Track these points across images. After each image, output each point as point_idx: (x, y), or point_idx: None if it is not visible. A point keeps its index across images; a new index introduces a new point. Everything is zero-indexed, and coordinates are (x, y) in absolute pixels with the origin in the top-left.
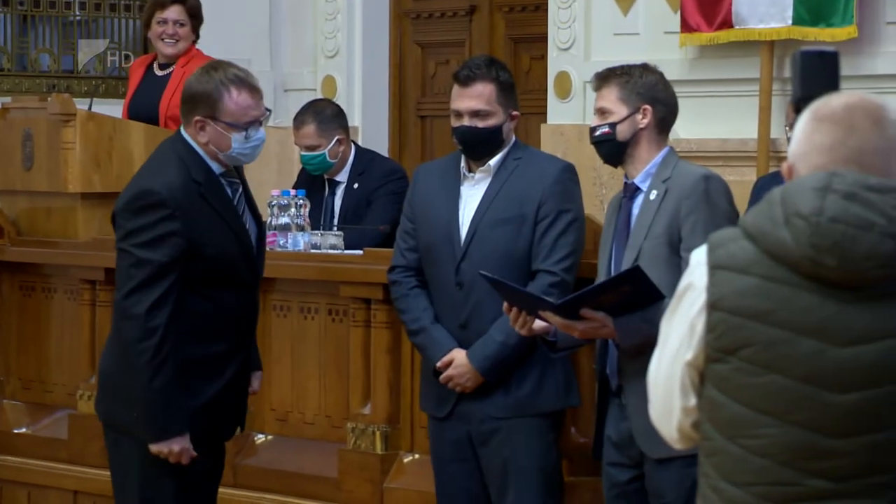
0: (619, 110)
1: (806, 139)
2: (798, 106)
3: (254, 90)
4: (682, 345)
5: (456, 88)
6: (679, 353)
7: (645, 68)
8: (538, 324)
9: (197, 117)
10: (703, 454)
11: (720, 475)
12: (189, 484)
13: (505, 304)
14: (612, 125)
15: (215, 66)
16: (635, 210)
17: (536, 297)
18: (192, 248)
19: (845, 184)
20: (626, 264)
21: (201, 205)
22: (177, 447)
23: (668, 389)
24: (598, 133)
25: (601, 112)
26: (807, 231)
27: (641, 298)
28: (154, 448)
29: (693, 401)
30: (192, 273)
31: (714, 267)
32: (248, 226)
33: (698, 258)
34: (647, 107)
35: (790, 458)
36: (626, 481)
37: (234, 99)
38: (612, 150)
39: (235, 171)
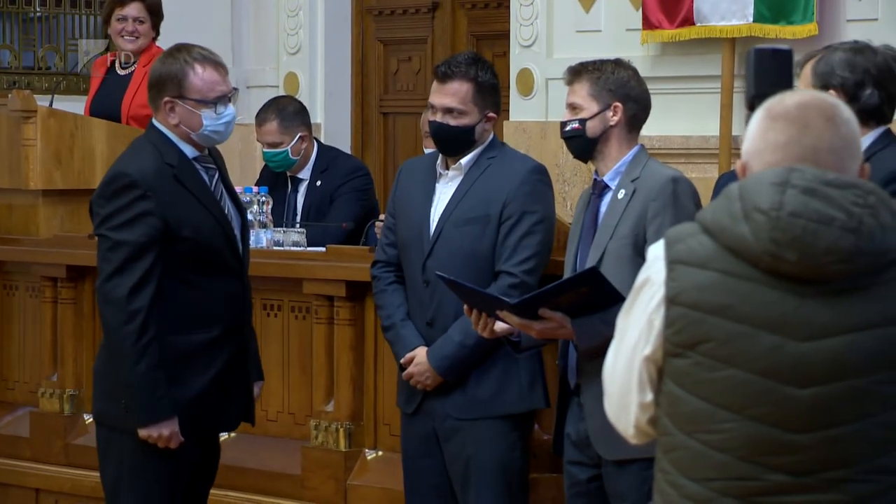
0: (590, 106)
1: (760, 137)
2: (752, 103)
3: (219, 66)
4: (639, 340)
5: (434, 82)
6: (637, 348)
7: (618, 64)
8: (500, 326)
9: (165, 98)
10: (660, 450)
11: (679, 471)
12: (181, 480)
13: (465, 307)
14: (582, 121)
15: (178, 47)
16: (603, 208)
17: (494, 297)
18: (168, 230)
19: (804, 179)
20: (590, 263)
21: (175, 186)
22: (165, 431)
23: (625, 385)
24: (567, 128)
25: (572, 107)
26: (767, 226)
27: (600, 300)
28: (143, 433)
29: (650, 396)
30: (173, 257)
31: (673, 262)
32: (227, 211)
33: (656, 253)
34: (618, 104)
35: (750, 452)
36: (586, 480)
37: (200, 75)
38: (582, 146)
39: (212, 159)
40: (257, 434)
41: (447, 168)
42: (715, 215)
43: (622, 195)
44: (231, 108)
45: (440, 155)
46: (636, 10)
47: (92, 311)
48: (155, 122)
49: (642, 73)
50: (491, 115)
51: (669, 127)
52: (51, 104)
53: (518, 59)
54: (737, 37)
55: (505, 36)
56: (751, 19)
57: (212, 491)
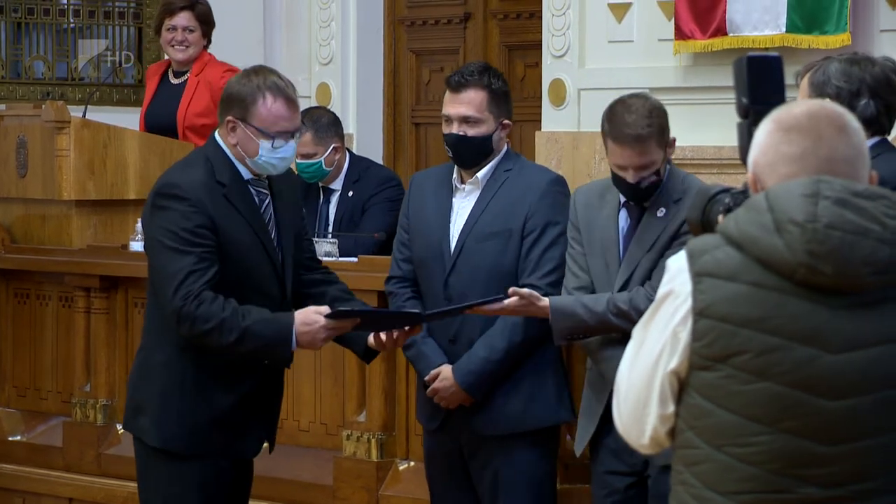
0: (657, 157)
1: (772, 149)
2: (746, 111)
3: (290, 102)
4: (663, 353)
5: (447, 94)
6: (660, 361)
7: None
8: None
9: (229, 117)
10: (682, 462)
11: (704, 484)
12: (215, 499)
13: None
14: (657, 172)
15: (258, 70)
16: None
17: (402, 314)
18: (218, 244)
19: (834, 190)
20: (624, 275)
21: (225, 205)
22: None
23: (642, 397)
24: (646, 184)
25: (641, 167)
26: (802, 238)
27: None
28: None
29: (671, 408)
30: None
31: (699, 274)
32: (273, 236)
33: (679, 265)
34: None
35: (782, 465)
36: (624, 488)
37: (268, 105)
38: (654, 190)
39: (267, 184)
40: (289, 444)
41: (463, 182)
42: (742, 227)
43: (661, 213)
44: (292, 145)
45: (454, 168)
46: (668, 20)
47: (125, 321)
48: (217, 135)
49: (674, 83)
50: (506, 122)
51: (702, 137)
52: (84, 115)
53: (550, 70)
54: (769, 47)
55: (537, 46)
56: (784, 29)
57: None
